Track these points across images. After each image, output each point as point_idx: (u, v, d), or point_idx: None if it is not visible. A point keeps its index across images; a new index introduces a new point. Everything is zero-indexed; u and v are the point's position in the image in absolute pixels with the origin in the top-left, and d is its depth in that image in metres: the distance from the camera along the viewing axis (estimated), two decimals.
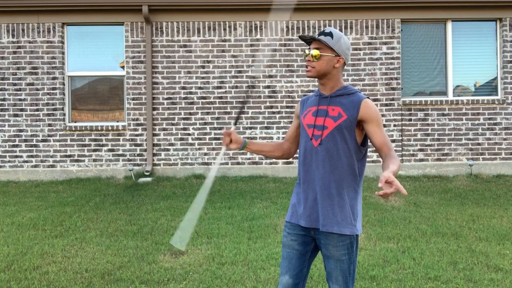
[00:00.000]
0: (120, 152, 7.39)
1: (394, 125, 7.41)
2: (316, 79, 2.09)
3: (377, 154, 7.38)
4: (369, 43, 7.42)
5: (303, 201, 2.03)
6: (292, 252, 2.04)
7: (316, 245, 2.08)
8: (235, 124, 2.24)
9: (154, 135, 7.40)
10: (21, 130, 7.35)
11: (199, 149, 7.40)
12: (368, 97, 2.03)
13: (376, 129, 1.97)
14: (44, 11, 7.32)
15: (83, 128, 7.32)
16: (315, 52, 1.99)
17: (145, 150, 7.38)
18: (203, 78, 7.40)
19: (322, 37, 1.99)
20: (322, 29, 2.11)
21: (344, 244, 1.96)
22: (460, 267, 3.54)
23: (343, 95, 2.02)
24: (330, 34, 1.99)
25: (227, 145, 2.21)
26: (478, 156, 7.43)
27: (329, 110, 2.01)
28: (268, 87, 7.40)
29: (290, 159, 7.36)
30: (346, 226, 1.95)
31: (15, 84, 7.35)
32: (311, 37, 2.01)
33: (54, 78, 7.35)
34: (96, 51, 7.54)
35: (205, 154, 7.40)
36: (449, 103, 7.39)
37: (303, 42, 7.48)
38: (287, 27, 7.42)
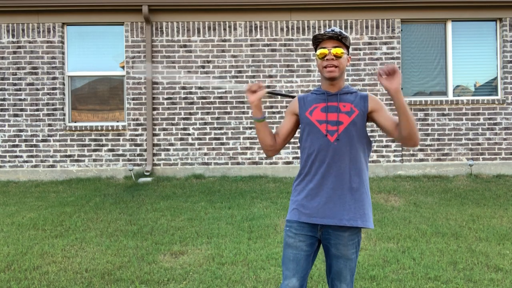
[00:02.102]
0: (120, 152, 7.39)
1: None
2: (329, 80, 2.04)
3: (377, 154, 7.38)
4: (369, 43, 7.42)
5: (318, 198, 1.97)
6: (300, 253, 1.98)
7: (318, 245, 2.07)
8: (269, 92, 2.13)
9: (154, 135, 7.40)
10: (21, 130, 7.35)
11: (199, 149, 7.40)
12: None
13: (384, 114, 2.01)
14: (44, 11, 7.32)
15: (83, 128, 7.32)
16: (339, 50, 1.96)
17: (145, 150, 7.38)
18: (203, 78, 7.39)
19: (343, 39, 1.99)
20: (336, 28, 2.04)
21: (353, 242, 1.97)
22: (460, 267, 3.54)
23: (348, 93, 2.05)
24: (347, 37, 2.01)
25: (249, 91, 2.05)
26: (478, 156, 7.43)
27: (340, 106, 2.01)
28: (268, 87, 7.40)
29: (290, 159, 7.36)
30: (368, 220, 1.96)
31: (15, 84, 7.35)
32: (338, 33, 1.96)
33: (54, 78, 7.35)
34: (96, 51, 7.54)
35: (205, 154, 7.40)
36: (449, 103, 7.39)
37: (302, 42, 7.50)
38: (287, 27, 7.42)
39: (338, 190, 1.95)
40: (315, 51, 2.05)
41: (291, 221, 2.03)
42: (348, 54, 2.04)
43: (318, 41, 2.02)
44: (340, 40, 1.98)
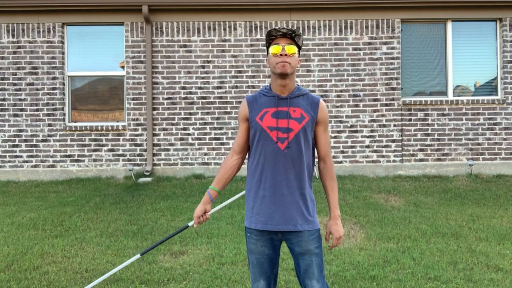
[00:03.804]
0: (120, 152, 7.39)
1: (394, 125, 7.41)
2: (280, 78, 2.03)
3: (377, 154, 7.38)
4: (369, 43, 7.42)
5: (271, 205, 1.99)
6: (263, 257, 2.04)
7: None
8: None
9: (154, 135, 7.40)
10: (21, 130, 7.35)
11: (199, 149, 7.40)
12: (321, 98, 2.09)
13: (323, 134, 2.07)
14: (44, 11, 7.32)
15: (83, 128, 7.32)
16: (293, 48, 1.97)
17: (145, 150, 7.38)
18: (203, 78, 7.40)
19: (296, 37, 1.99)
20: (290, 27, 2.05)
21: (314, 237, 2.01)
22: (460, 267, 3.54)
23: (299, 96, 2.04)
24: (300, 35, 2.00)
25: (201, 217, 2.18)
26: (478, 156, 7.43)
27: (290, 111, 2.00)
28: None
29: None
30: (314, 222, 2.03)
31: (15, 84, 7.35)
32: (292, 30, 1.96)
33: (54, 78, 7.35)
34: (96, 51, 7.54)
35: (205, 154, 7.40)
36: (449, 103, 7.39)
37: (302, 42, 7.48)
38: (287, 27, 7.41)
39: (289, 196, 1.99)
40: (267, 50, 2.03)
41: (250, 229, 2.06)
42: (298, 57, 2.04)
43: (271, 38, 2.01)
44: (293, 38, 1.98)
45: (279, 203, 1.98)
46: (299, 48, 2.04)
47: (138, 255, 2.38)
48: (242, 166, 7.20)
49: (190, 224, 2.36)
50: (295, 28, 2.08)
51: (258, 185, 2.03)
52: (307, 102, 2.03)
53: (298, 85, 2.10)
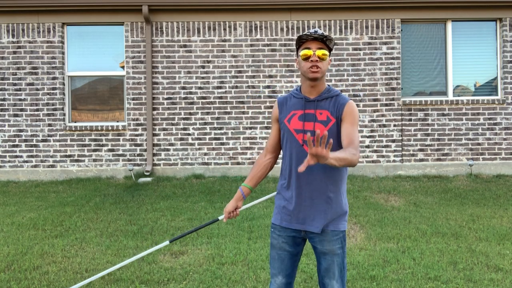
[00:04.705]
0: (120, 152, 7.39)
1: (394, 125, 7.41)
2: (310, 81, 2.03)
3: (377, 154, 7.38)
4: (369, 43, 7.42)
5: (297, 205, 2.03)
6: (284, 253, 2.07)
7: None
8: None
9: (154, 135, 7.40)
10: (21, 130, 7.35)
11: (199, 149, 7.40)
12: (350, 99, 2.07)
13: (349, 126, 1.97)
14: (44, 11, 7.32)
15: (83, 128, 7.32)
16: (323, 52, 1.97)
17: (145, 150, 7.38)
18: (203, 78, 7.40)
19: (328, 41, 2.00)
20: (319, 30, 2.04)
21: (338, 238, 2.02)
22: (460, 267, 3.54)
23: (327, 98, 2.04)
24: (332, 39, 2.01)
25: (232, 213, 2.24)
26: (478, 156, 7.43)
27: (317, 114, 2.01)
28: (268, 87, 7.40)
29: None
30: (340, 223, 2.03)
31: (15, 84, 7.35)
32: (324, 35, 1.95)
33: (54, 78, 7.35)
34: (96, 51, 7.54)
35: (205, 154, 7.40)
36: (449, 103, 7.39)
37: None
38: (287, 27, 7.42)
39: (315, 199, 2.00)
40: (297, 52, 2.05)
41: (275, 224, 2.11)
42: (329, 57, 2.05)
43: (302, 41, 2.01)
44: (324, 42, 1.98)
45: (305, 205, 2.01)
46: (330, 50, 2.03)
47: (167, 242, 2.41)
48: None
49: (220, 218, 2.38)
50: (324, 32, 2.07)
51: (287, 185, 2.07)
52: (334, 104, 2.01)
53: (329, 85, 2.08)
